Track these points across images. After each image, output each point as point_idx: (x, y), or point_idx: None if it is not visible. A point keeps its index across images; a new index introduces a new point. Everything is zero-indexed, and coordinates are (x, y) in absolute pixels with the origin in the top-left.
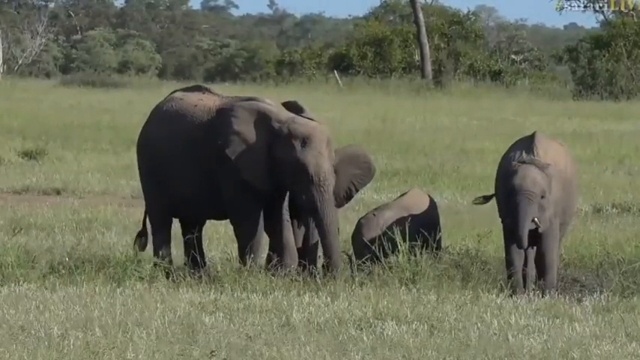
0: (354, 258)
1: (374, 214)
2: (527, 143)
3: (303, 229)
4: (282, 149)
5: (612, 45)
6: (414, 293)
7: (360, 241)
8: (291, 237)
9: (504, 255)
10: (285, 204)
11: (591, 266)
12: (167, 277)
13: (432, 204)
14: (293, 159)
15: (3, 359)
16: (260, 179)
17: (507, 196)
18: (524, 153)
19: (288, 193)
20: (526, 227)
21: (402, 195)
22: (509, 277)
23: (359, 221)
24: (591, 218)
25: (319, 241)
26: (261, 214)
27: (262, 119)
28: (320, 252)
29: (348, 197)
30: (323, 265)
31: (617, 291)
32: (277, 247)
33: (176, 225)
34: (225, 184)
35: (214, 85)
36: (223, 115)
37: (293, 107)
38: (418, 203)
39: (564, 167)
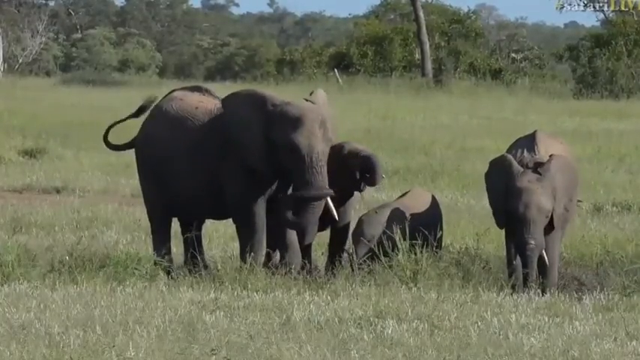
0: (354, 256)
1: (376, 212)
2: (528, 142)
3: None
4: (275, 132)
5: (612, 44)
6: (415, 292)
7: (360, 238)
8: (295, 235)
9: (505, 253)
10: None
11: (591, 265)
12: (167, 276)
13: (434, 203)
14: (285, 140)
15: (3, 358)
16: (260, 162)
17: (512, 218)
18: (525, 152)
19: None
20: (535, 255)
21: (404, 194)
22: (510, 275)
23: (360, 218)
24: (591, 217)
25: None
26: (264, 212)
27: (258, 103)
28: (324, 250)
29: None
30: (326, 266)
31: (617, 289)
32: (281, 246)
33: (176, 224)
34: (228, 183)
35: (215, 84)
36: (224, 104)
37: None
38: (420, 202)
39: None
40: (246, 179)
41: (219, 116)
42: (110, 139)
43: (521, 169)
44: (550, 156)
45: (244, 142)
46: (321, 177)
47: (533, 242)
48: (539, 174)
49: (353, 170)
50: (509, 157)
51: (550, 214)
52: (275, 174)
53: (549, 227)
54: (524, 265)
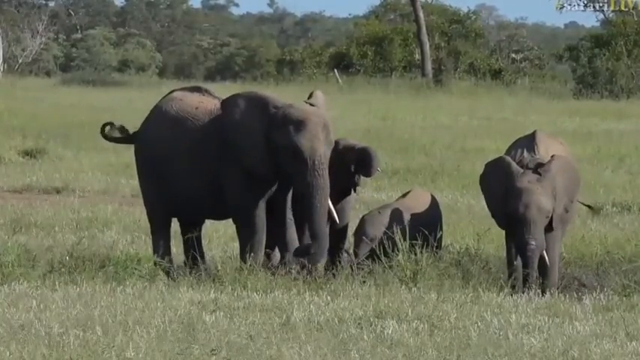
0: (353, 257)
1: (379, 212)
2: (527, 142)
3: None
4: (277, 134)
5: (612, 44)
6: (415, 292)
7: (362, 238)
8: (295, 235)
9: (505, 254)
10: (289, 203)
11: (591, 265)
12: (167, 276)
13: (435, 203)
14: (288, 143)
15: (3, 358)
16: (260, 164)
17: (512, 219)
18: (525, 152)
19: (291, 192)
20: (536, 256)
21: (405, 194)
22: (510, 275)
23: (363, 218)
24: (591, 217)
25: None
26: (264, 213)
27: (259, 106)
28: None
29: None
30: (326, 266)
31: (617, 290)
32: (281, 246)
33: (175, 224)
34: (228, 183)
35: (214, 84)
36: (223, 106)
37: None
38: (422, 202)
39: None
40: (246, 180)
41: (219, 117)
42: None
43: (521, 170)
44: (551, 156)
45: (245, 145)
46: (323, 180)
47: (533, 243)
48: (540, 174)
49: (349, 165)
50: (508, 158)
51: (550, 215)
52: (275, 176)
53: (549, 227)
54: (525, 265)
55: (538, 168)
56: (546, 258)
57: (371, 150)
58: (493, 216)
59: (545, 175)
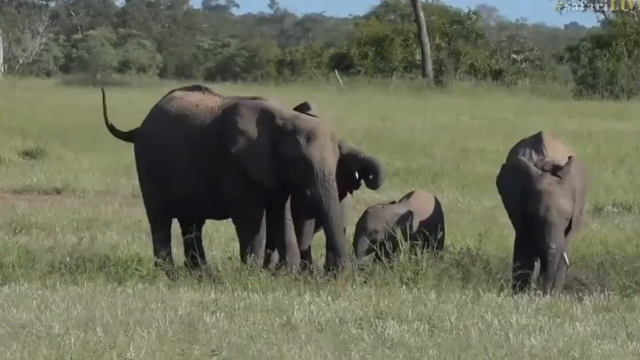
0: (354, 249)
1: (383, 207)
2: (535, 144)
3: (308, 229)
4: (286, 145)
5: (613, 44)
6: (415, 292)
7: (362, 231)
8: (294, 236)
9: (513, 249)
10: (287, 203)
11: (592, 265)
12: (168, 277)
13: (437, 204)
14: (298, 154)
15: (4, 358)
16: (266, 176)
17: (531, 221)
18: (534, 153)
19: (290, 193)
20: (557, 259)
21: (409, 195)
22: (515, 270)
23: (367, 210)
24: (592, 217)
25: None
26: (263, 213)
27: (266, 117)
28: (322, 251)
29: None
30: (324, 265)
31: (617, 290)
32: (280, 247)
33: (176, 224)
34: (228, 184)
35: (215, 85)
36: (227, 114)
37: (302, 108)
38: (425, 203)
39: None
40: (246, 180)
41: (220, 123)
42: (110, 140)
43: (540, 172)
44: (569, 158)
45: (250, 157)
46: (334, 190)
47: (554, 246)
48: (559, 177)
49: (352, 171)
50: (525, 160)
51: (570, 217)
52: (281, 188)
53: (566, 230)
54: (545, 268)
55: (556, 170)
56: (566, 260)
57: (378, 162)
58: (510, 217)
59: (564, 178)
